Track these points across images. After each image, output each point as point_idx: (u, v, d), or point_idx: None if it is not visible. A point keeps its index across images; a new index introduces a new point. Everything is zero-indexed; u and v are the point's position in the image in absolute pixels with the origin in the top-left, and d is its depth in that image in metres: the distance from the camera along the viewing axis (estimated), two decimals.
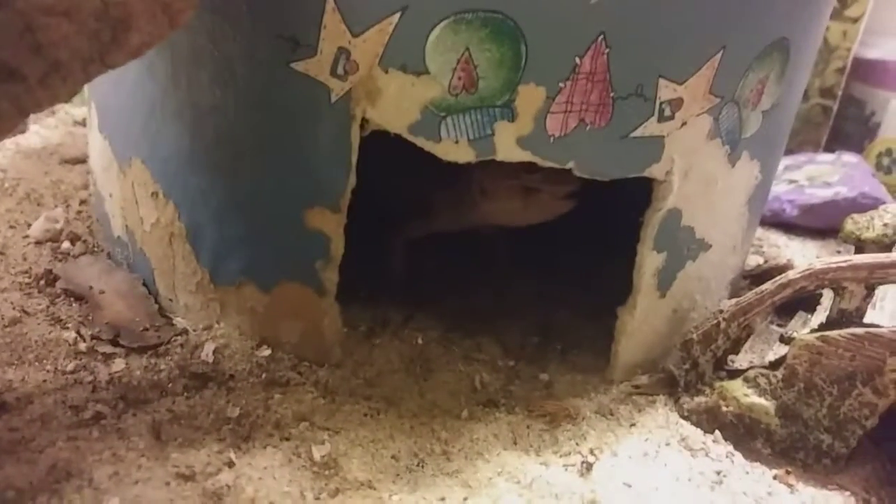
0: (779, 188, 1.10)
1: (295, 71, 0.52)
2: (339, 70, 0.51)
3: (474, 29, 0.50)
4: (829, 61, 1.24)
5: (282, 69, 0.52)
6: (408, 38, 0.50)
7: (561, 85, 0.52)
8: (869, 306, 0.60)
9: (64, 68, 0.38)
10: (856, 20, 1.22)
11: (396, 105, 0.52)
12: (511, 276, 0.82)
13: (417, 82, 0.51)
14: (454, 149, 0.53)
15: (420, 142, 0.53)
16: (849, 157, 1.15)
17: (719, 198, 0.63)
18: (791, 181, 1.12)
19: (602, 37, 0.51)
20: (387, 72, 0.51)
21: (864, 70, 1.26)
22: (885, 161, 1.21)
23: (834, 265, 0.58)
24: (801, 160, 1.18)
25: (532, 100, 0.52)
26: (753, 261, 0.92)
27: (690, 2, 0.52)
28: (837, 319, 0.59)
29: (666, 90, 0.54)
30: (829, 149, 1.25)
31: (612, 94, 0.53)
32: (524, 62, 0.51)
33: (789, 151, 1.21)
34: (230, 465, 0.51)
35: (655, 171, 0.58)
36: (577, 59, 0.51)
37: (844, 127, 1.29)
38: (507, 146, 0.54)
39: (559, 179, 0.64)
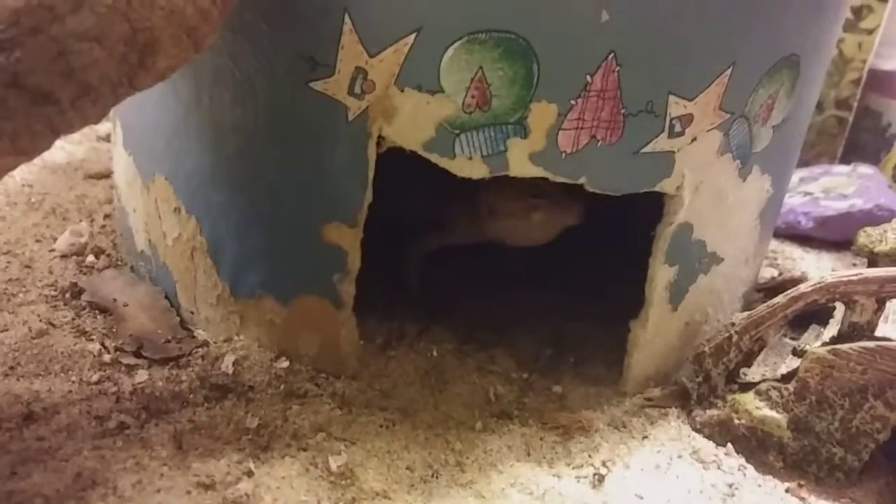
0: (794, 200, 1.10)
1: (313, 90, 0.54)
2: (357, 89, 0.53)
3: (487, 49, 0.51)
4: (845, 73, 1.25)
5: (301, 88, 0.54)
6: (423, 58, 0.51)
7: (572, 102, 0.53)
8: (880, 320, 0.60)
9: (94, 91, 0.40)
10: (871, 32, 1.22)
11: (412, 123, 0.53)
12: (525, 289, 0.83)
13: (432, 101, 0.52)
14: (468, 165, 0.55)
15: (435, 158, 0.54)
16: (865, 169, 1.14)
17: (730, 212, 0.63)
18: (806, 193, 1.12)
19: (612, 55, 0.52)
20: (402, 91, 0.52)
21: (880, 81, 1.26)
22: None
23: (845, 279, 0.59)
24: (817, 172, 1.18)
25: (544, 117, 0.53)
26: (767, 273, 0.92)
27: (700, 19, 0.53)
28: (849, 333, 0.60)
29: (676, 106, 0.55)
30: (845, 160, 1.25)
31: (622, 111, 0.54)
32: (536, 80, 0.52)
33: (805, 163, 1.22)
34: (249, 474, 0.53)
35: (666, 186, 0.58)
36: (589, 77, 0.52)
37: (860, 138, 1.29)
38: (520, 162, 0.55)
39: (565, 203, 0.66)
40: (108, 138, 1.07)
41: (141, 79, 0.41)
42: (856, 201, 1.06)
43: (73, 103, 0.39)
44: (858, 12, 1.20)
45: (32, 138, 0.39)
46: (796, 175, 1.17)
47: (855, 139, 1.29)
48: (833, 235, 1.05)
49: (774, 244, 1.05)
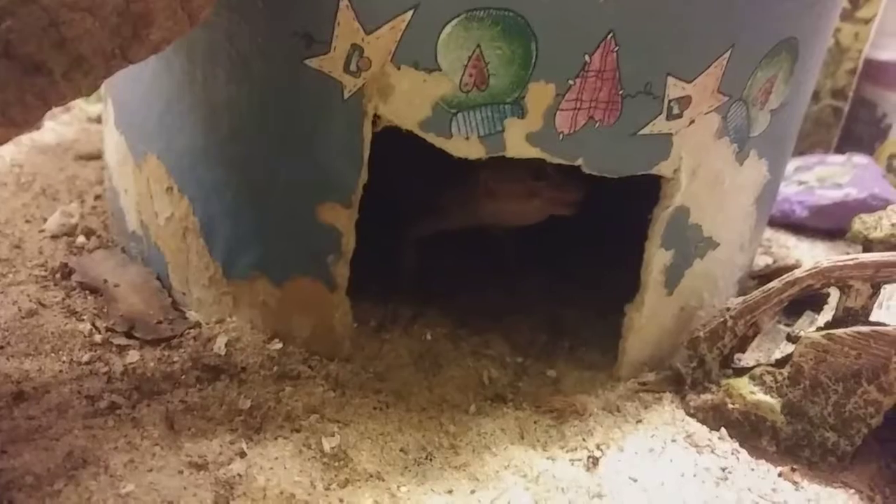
0: (789, 189, 1.10)
1: (309, 67, 0.53)
2: (353, 67, 0.52)
3: (486, 27, 0.50)
4: (841, 62, 1.24)
5: (296, 66, 0.53)
6: (420, 36, 0.51)
7: (570, 82, 0.52)
8: (875, 306, 0.60)
9: (86, 62, 0.39)
10: (867, 21, 1.22)
11: (408, 101, 0.53)
12: (520, 275, 0.83)
13: (429, 79, 0.52)
14: (465, 145, 0.54)
15: (431, 138, 0.54)
16: (859, 159, 1.14)
17: (727, 196, 0.63)
18: (801, 182, 1.12)
19: (611, 35, 0.51)
20: (399, 68, 0.52)
21: (876, 72, 1.25)
22: None
23: (840, 263, 0.59)
24: (812, 161, 1.18)
25: (542, 97, 0.53)
26: (762, 261, 0.92)
27: (699, 1, 0.52)
28: (843, 318, 0.60)
29: (674, 88, 0.55)
30: (840, 150, 1.25)
31: (620, 92, 0.54)
32: (534, 59, 0.51)
33: (800, 153, 1.22)
34: (242, 455, 0.52)
35: (663, 169, 0.58)
36: (587, 57, 0.52)
37: (855, 129, 1.29)
38: (517, 142, 0.54)
39: (564, 186, 0.65)
40: (98, 120, 1.06)
41: (134, 51, 0.41)
42: (850, 190, 1.06)
43: (65, 74, 0.39)
44: (855, 1, 1.20)
45: (24, 109, 0.38)
46: (791, 164, 1.17)
47: (850, 129, 1.29)
48: (827, 224, 1.05)
49: (769, 232, 1.05)
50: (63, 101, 0.39)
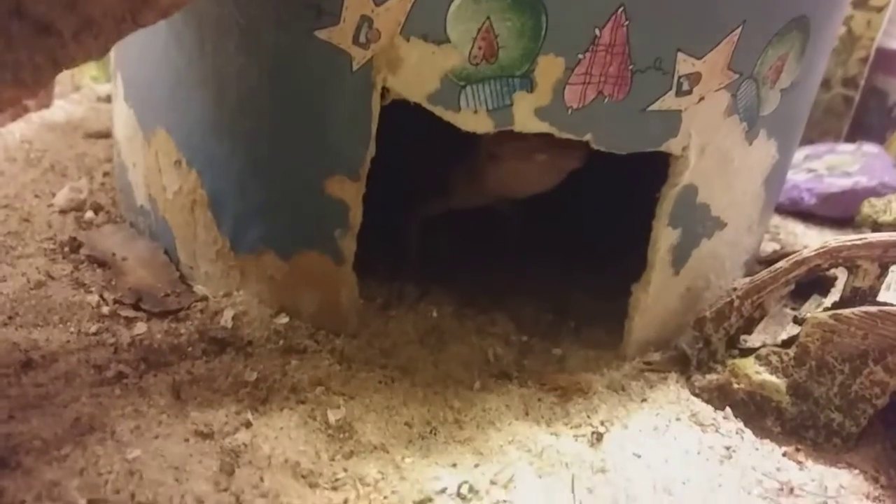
0: (798, 177, 1.09)
1: (318, 39, 0.53)
2: (362, 38, 0.52)
3: None
4: (853, 51, 1.24)
5: (305, 37, 0.53)
6: (430, 7, 0.51)
7: (580, 56, 0.52)
8: (883, 287, 0.60)
9: (96, 25, 0.39)
10: (880, 10, 1.21)
11: (417, 74, 0.53)
12: (527, 257, 0.83)
13: (438, 51, 0.52)
14: (473, 118, 0.54)
15: (439, 111, 0.54)
16: (869, 148, 1.14)
17: (736, 176, 0.63)
18: (810, 170, 1.12)
19: (622, 8, 0.51)
20: (408, 40, 0.52)
21: (888, 61, 1.25)
22: None
23: (849, 243, 0.58)
24: (822, 150, 1.17)
25: (551, 70, 0.52)
26: (770, 247, 0.92)
27: None
28: (851, 298, 0.59)
29: (684, 64, 0.54)
30: (851, 139, 1.24)
31: (630, 67, 0.53)
32: (544, 32, 0.51)
33: (810, 141, 1.21)
34: (247, 425, 0.53)
35: (672, 146, 0.58)
36: (597, 31, 0.51)
37: (866, 118, 1.28)
38: (526, 117, 0.54)
39: (567, 146, 0.64)
40: (108, 99, 1.07)
41: (145, 15, 0.41)
42: (860, 178, 1.05)
43: (75, 36, 0.39)
44: None
45: (34, 71, 0.38)
46: (801, 152, 1.17)
47: (861, 118, 1.28)
48: (836, 212, 1.04)
49: (777, 219, 1.05)
50: (73, 64, 0.39)
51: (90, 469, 0.45)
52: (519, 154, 0.63)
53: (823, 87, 1.25)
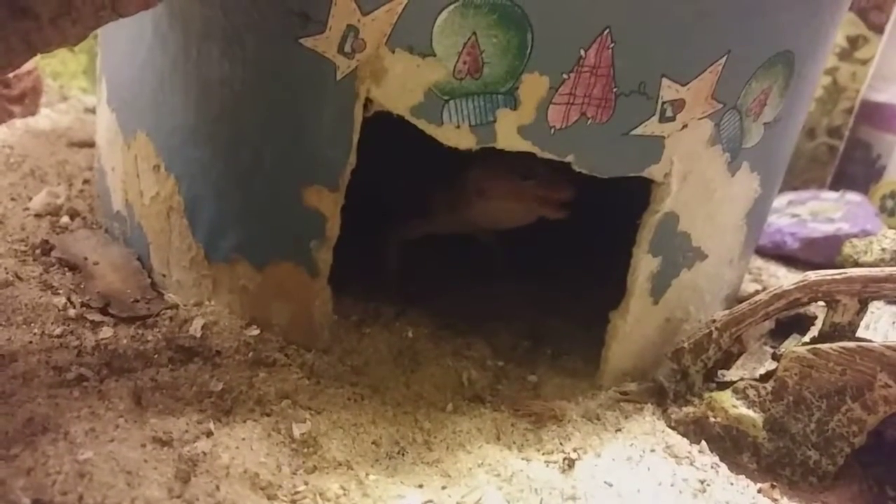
0: (781, 221, 1.10)
1: (303, 47, 0.53)
2: (347, 48, 0.52)
3: (482, 14, 0.50)
4: (838, 101, 1.26)
5: (290, 44, 0.53)
6: (416, 19, 0.51)
7: (564, 76, 0.52)
8: (863, 326, 0.60)
9: (75, 10, 0.39)
10: (865, 62, 1.23)
11: (401, 86, 0.53)
12: (505, 282, 0.82)
13: (423, 64, 0.52)
14: (455, 134, 0.54)
15: (422, 124, 0.54)
16: (853, 196, 1.15)
17: (717, 207, 0.63)
18: (794, 215, 1.12)
19: (608, 30, 0.51)
20: (393, 52, 0.52)
21: (872, 113, 1.27)
22: (890, 203, 1.21)
23: (829, 277, 0.58)
24: (806, 196, 1.18)
25: (535, 89, 0.52)
26: (752, 288, 0.91)
27: (698, 3, 0.53)
28: (830, 333, 0.59)
29: (668, 90, 0.54)
30: (835, 188, 1.25)
31: (614, 90, 0.53)
32: (530, 50, 0.51)
33: (794, 188, 1.22)
34: (209, 434, 0.51)
35: (654, 172, 0.58)
36: (582, 52, 0.52)
37: (850, 168, 1.29)
38: (508, 134, 0.54)
39: (554, 185, 0.65)
40: (94, 110, 1.06)
41: (124, 4, 0.40)
42: (842, 225, 1.06)
43: (52, 21, 0.38)
44: (854, 42, 1.22)
45: (7, 51, 0.37)
46: (785, 197, 1.18)
47: (844, 169, 1.30)
48: (818, 257, 1.05)
49: (759, 262, 1.05)
50: (48, 48, 0.39)
51: (38, 469, 0.43)
52: (510, 194, 0.64)
53: (808, 136, 1.27)
